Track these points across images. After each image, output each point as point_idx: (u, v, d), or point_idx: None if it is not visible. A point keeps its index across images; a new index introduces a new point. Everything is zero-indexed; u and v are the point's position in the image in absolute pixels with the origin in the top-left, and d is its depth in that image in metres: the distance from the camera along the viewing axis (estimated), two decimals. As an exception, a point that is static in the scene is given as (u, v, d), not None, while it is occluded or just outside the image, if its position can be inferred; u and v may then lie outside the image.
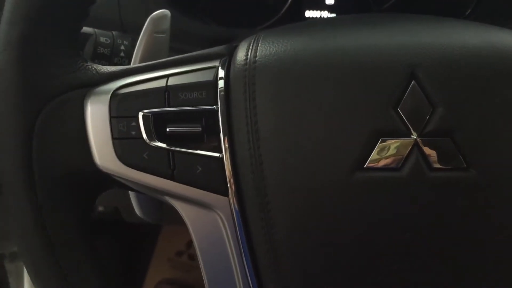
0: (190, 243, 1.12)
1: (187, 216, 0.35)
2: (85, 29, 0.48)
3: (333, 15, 0.67)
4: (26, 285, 1.19)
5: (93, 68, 0.35)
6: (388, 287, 0.33)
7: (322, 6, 0.68)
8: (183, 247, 1.15)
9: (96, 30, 0.47)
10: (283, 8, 0.67)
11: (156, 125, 0.34)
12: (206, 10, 0.65)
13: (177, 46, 0.52)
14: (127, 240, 1.17)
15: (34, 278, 0.37)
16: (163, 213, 0.45)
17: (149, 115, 0.34)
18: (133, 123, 0.34)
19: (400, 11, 0.66)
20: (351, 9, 0.67)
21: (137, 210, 0.45)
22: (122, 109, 0.34)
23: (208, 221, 0.35)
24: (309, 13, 0.68)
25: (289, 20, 0.67)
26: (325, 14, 0.68)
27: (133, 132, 0.34)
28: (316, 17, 0.68)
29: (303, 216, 0.32)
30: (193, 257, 1.14)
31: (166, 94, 0.34)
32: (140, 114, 0.34)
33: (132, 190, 0.37)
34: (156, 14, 0.41)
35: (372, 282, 0.33)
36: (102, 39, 0.47)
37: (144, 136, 0.34)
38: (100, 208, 0.91)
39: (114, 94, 0.34)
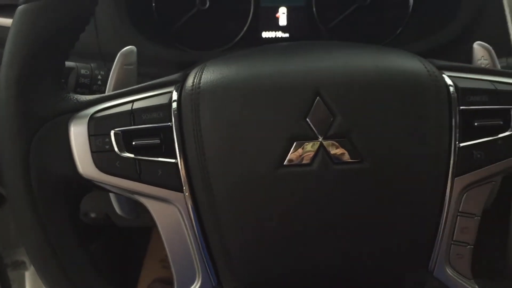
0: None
1: (152, 210, 0.44)
2: (68, 63, 0.57)
3: (286, 35, 0.77)
4: (28, 292, 1.25)
5: (74, 98, 0.44)
6: (306, 255, 0.43)
7: (277, 27, 0.77)
8: (173, 249, 1.22)
9: (77, 64, 0.56)
10: (242, 30, 0.76)
11: (125, 140, 0.42)
12: (173, 36, 0.74)
13: (146, 71, 0.61)
14: (120, 243, 1.26)
15: (39, 274, 0.45)
16: (138, 211, 0.54)
17: (119, 133, 0.43)
18: (107, 139, 0.42)
19: (343, 29, 0.75)
20: (302, 29, 0.76)
21: (117, 209, 0.54)
22: (98, 129, 0.43)
23: (169, 213, 0.43)
24: (265, 34, 0.77)
25: (249, 41, 0.76)
26: (280, 34, 0.77)
27: (107, 146, 0.42)
28: (271, 38, 0.77)
29: (240, 204, 0.42)
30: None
31: (132, 115, 0.43)
32: (112, 132, 0.42)
33: (109, 191, 0.46)
34: (125, 49, 0.50)
35: (294, 250, 0.43)
36: (82, 71, 0.57)
37: (116, 149, 0.42)
38: (92, 215, 0.99)
39: (91, 118, 0.43)
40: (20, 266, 1.19)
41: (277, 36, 0.77)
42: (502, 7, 0.64)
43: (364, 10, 0.74)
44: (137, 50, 0.52)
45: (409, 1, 0.74)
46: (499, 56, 0.59)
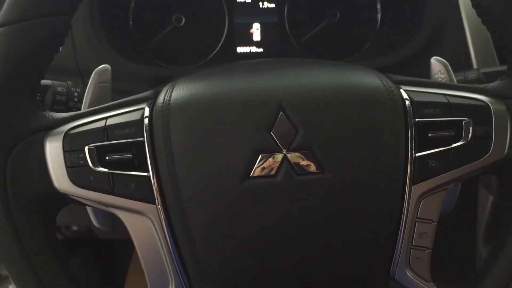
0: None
1: (126, 221, 0.45)
2: (45, 81, 0.59)
3: (261, 50, 0.80)
4: (12, 307, 1.26)
5: (49, 116, 0.46)
6: (272, 263, 0.45)
7: (251, 43, 0.80)
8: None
9: (54, 81, 0.58)
10: (217, 46, 0.79)
11: (99, 155, 0.44)
12: (150, 53, 0.77)
13: (124, 87, 0.63)
14: (104, 256, 1.27)
15: (16, 283, 0.47)
16: (115, 223, 0.56)
17: (93, 148, 0.44)
18: (81, 155, 0.44)
19: (314, 44, 0.79)
20: (275, 44, 0.79)
21: (94, 221, 0.55)
22: (72, 145, 0.44)
23: (142, 224, 0.45)
24: (240, 49, 0.80)
25: (224, 56, 0.79)
26: (254, 49, 0.80)
27: (81, 162, 0.44)
28: (246, 53, 0.80)
29: (209, 214, 0.44)
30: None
31: (105, 131, 0.44)
32: (86, 148, 0.44)
33: (84, 205, 0.47)
34: (99, 68, 0.52)
35: (261, 258, 0.45)
36: (59, 89, 0.58)
37: (90, 164, 0.44)
38: (74, 228, 1.00)
39: (66, 134, 0.45)
40: (4, 280, 1.20)
41: (251, 51, 0.80)
42: (462, 24, 0.68)
43: (334, 26, 0.78)
44: (115, 67, 0.54)
45: (377, 18, 0.78)
46: (458, 70, 0.63)
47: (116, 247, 1.27)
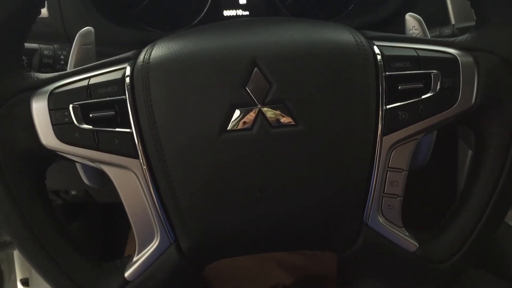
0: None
1: (111, 176, 0.48)
2: (32, 45, 0.61)
3: (247, 12, 0.81)
4: (17, 271, 1.30)
5: (35, 76, 0.48)
6: (250, 212, 0.47)
7: (237, 6, 0.80)
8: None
9: (40, 45, 0.60)
10: (204, 9, 0.80)
11: (83, 113, 0.46)
12: (137, 18, 0.78)
13: (112, 52, 0.64)
14: (104, 220, 1.30)
15: (18, 247, 0.49)
16: (104, 180, 0.58)
17: (77, 106, 0.46)
18: (66, 113, 0.46)
19: (299, 6, 0.79)
20: (261, 6, 0.80)
21: (84, 179, 0.58)
22: (57, 104, 0.46)
23: (127, 178, 0.47)
24: (227, 13, 0.80)
25: (211, 19, 0.80)
26: (240, 12, 0.81)
27: (67, 119, 0.46)
28: (233, 15, 0.81)
29: (189, 167, 0.46)
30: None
31: (88, 90, 0.47)
32: (71, 106, 0.46)
33: (71, 161, 0.50)
34: (83, 30, 0.53)
35: (239, 208, 0.47)
36: (45, 52, 0.60)
37: (75, 121, 0.46)
38: (73, 192, 1.03)
39: (51, 93, 0.47)
40: (8, 246, 1.22)
41: (237, 14, 0.80)
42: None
43: (318, -13, 0.78)
44: (102, 31, 0.56)
45: (360, -22, 0.78)
46: (436, 26, 0.64)
47: (117, 211, 1.31)
